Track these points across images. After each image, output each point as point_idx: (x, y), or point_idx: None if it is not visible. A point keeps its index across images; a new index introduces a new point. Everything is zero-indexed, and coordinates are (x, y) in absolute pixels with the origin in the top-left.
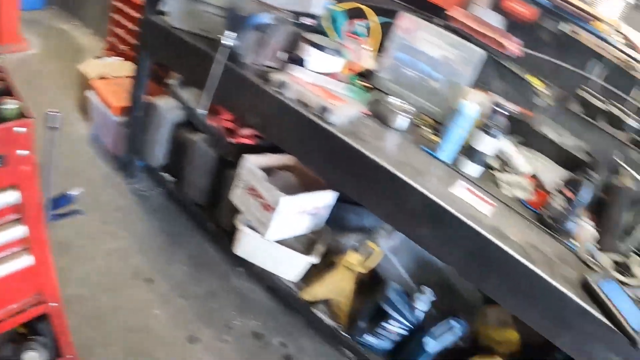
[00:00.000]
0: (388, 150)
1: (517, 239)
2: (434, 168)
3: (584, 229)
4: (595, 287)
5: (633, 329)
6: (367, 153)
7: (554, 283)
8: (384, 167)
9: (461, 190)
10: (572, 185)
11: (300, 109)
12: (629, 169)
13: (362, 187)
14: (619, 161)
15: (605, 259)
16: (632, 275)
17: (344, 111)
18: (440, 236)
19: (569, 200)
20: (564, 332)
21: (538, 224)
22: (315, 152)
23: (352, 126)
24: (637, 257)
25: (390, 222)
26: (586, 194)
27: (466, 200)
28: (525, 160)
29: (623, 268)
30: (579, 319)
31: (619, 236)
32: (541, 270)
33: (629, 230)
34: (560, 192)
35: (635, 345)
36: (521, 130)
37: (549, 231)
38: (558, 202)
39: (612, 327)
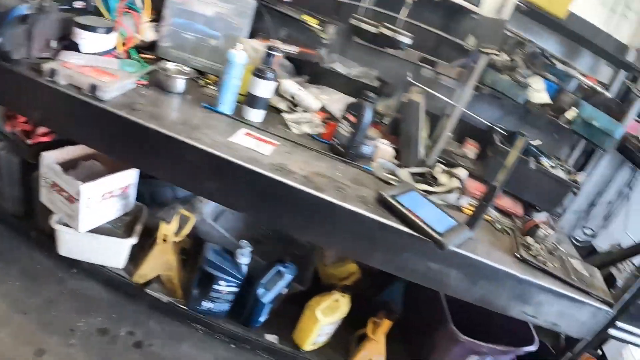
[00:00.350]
0: (164, 114)
1: (303, 172)
2: (214, 122)
3: (382, 149)
4: (391, 201)
5: (437, 233)
6: (139, 121)
7: (346, 205)
8: (157, 131)
9: (241, 138)
10: (354, 109)
11: (73, 93)
12: (417, 84)
13: (145, 156)
14: (410, 79)
15: (405, 173)
16: (438, 184)
17: (115, 86)
18: (225, 186)
19: (353, 124)
20: (374, 251)
21: (330, 153)
22: (96, 133)
23: (127, 99)
24: (442, 166)
25: (179, 184)
26: (367, 114)
27: (246, 145)
28: (312, 97)
29: (429, 178)
30: (382, 235)
31: (421, 149)
32: (330, 196)
33: (434, 142)
34: (346, 118)
35: (441, 247)
36: (309, 70)
37: (341, 158)
38: (344, 129)
39: (417, 235)
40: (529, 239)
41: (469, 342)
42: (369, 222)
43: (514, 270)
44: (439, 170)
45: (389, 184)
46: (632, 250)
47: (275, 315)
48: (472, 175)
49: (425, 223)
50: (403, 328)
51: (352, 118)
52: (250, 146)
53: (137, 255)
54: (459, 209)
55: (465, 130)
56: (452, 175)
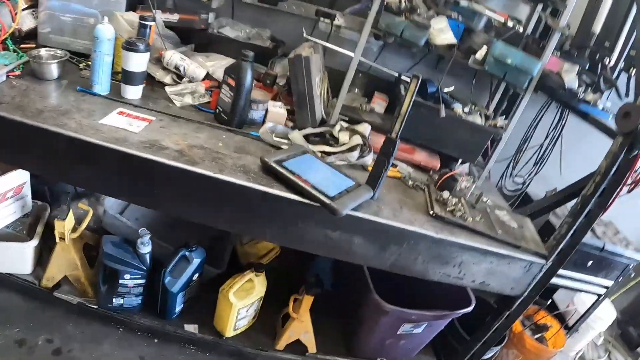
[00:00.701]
0: (33, 104)
1: (177, 146)
2: (88, 105)
3: (274, 112)
4: (275, 166)
5: (328, 197)
6: (1, 114)
7: (222, 177)
8: (21, 122)
9: (113, 118)
10: (233, 72)
11: None
12: (311, 38)
13: (17, 151)
14: (305, 35)
15: (297, 136)
16: (340, 143)
17: None
18: (97, 172)
19: (233, 88)
20: (265, 224)
21: (214, 123)
22: None
23: None
24: (343, 124)
25: (53, 177)
26: (247, 75)
27: (117, 125)
28: (196, 65)
29: (329, 138)
30: (269, 206)
31: (318, 108)
32: (204, 168)
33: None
34: (226, 83)
35: (333, 212)
36: (197, 38)
37: (225, 127)
38: (226, 95)
39: (308, 201)
40: (445, 194)
41: (395, 311)
42: (252, 193)
43: (426, 230)
44: (338, 129)
45: (280, 149)
46: (565, 194)
47: (194, 303)
48: (379, 130)
49: (314, 187)
50: (333, 302)
51: (231, 82)
52: (120, 126)
53: (46, 258)
54: (364, 168)
55: (374, 84)
56: (354, 132)
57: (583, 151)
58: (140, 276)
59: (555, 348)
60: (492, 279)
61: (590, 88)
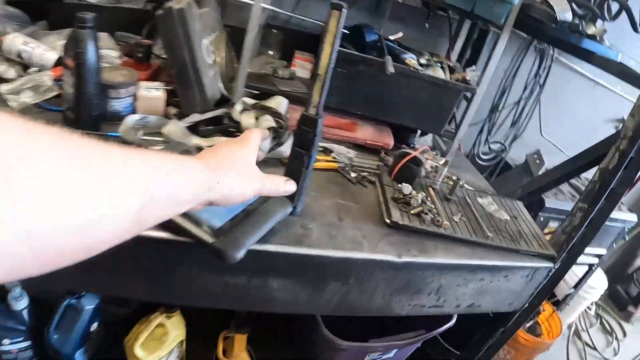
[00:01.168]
0: None
1: None
2: None
3: (146, 97)
4: None
5: (211, 231)
6: None
7: None
8: None
9: None
10: (70, 48)
11: None
12: None
13: None
14: None
15: (173, 129)
16: (241, 129)
17: None
18: None
19: (73, 70)
20: (131, 277)
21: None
22: None
23: None
24: (248, 99)
25: None
26: (88, 49)
27: None
28: (46, 48)
29: (229, 124)
30: (124, 250)
31: (208, 82)
32: None
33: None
34: (65, 65)
35: (222, 257)
36: (53, 12)
37: (75, 129)
38: (68, 82)
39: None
40: (406, 188)
41: (353, 348)
42: None
43: (384, 252)
44: (239, 109)
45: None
46: (571, 168)
47: (104, 355)
48: (303, 103)
49: (187, 216)
50: (282, 327)
51: (70, 62)
52: None
53: None
54: (282, 162)
55: (295, 41)
56: (263, 110)
57: (563, 106)
58: (22, 338)
59: (551, 338)
60: (483, 299)
61: (584, 20)
